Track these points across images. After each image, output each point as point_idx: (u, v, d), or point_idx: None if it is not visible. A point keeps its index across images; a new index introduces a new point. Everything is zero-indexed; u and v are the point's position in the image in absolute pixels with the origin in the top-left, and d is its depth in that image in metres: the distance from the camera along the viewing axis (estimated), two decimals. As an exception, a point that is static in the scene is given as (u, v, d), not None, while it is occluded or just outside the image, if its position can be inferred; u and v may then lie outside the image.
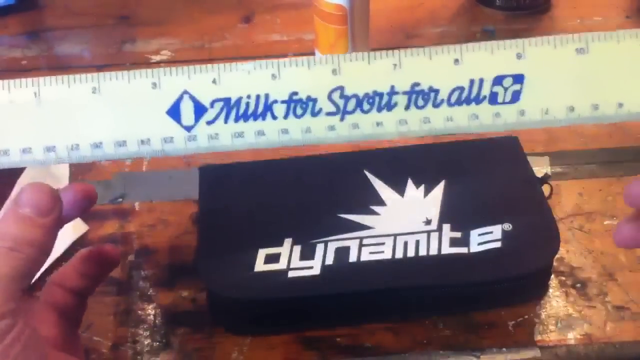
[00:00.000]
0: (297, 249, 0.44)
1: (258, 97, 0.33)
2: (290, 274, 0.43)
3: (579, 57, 0.33)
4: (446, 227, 0.45)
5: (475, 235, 0.45)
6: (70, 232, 0.51)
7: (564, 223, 0.50)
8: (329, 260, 0.44)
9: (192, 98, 0.33)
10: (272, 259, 0.44)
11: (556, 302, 0.46)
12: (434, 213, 0.46)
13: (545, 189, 0.50)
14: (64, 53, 0.70)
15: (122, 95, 0.33)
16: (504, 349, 0.44)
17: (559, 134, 0.58)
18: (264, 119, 0.34)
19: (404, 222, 0.46)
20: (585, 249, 0.49)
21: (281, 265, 0.44)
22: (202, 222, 0.48)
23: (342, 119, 0.34)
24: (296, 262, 0.44)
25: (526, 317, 0.45)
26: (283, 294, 0.43)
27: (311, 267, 0.43)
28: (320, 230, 0.46)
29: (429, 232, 0.45)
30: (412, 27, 0.71)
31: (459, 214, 0.46)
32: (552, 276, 0.47)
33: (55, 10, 0.76)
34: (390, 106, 0.33)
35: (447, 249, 0.44)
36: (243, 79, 0.33)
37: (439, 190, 0.48)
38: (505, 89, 0.33)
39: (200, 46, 0.69)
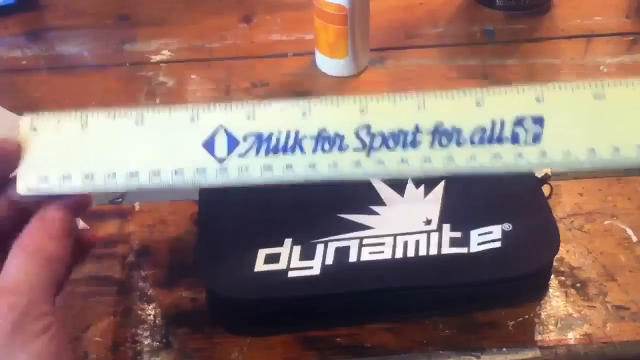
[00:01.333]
0: (297, 249, 0.45)
1: (288, 132, 0.35)
2: (290, 273, 0.43)
3: (596, 102, 0.34)
4: (446, 227, 0.46)
5: (475, 235, 0.45)
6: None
7: (564, 223, 0.50)
8: (329, 260, 0.44)
9: (227, 132, 0.35)
10: (272, 259, 0.44)
11: (556, 302, 0.46)
12: (434, 213, 0.47)
13: (545, 190, 0.50)
14: (64, 53, 0.70)
15: (162, 127, 0.35)
16: (504, 349, 0.44)
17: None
18: (293, 152, 0.35)
19: (404, 222, 0.46)
20: (585, 249, 0.49)
21: (281, 265, 0.44)
22: (202, 222, 0.48)
23: (368, 155, 0.34)
24: (296, 262, 0.44)
25: (526, 317, 0.45)
26: (283, 293, 0.43)
27: (311, 267, 0.43)
28: (320, 230, 0.46)
29: (429, 232, 0.45)
30: (412, 27, 0.71)
31: (459, 214, 0.46)
32: (552, 276, 0.47)
33: (55, 10, 0.76)
34: (415, 144, 0.34)
35: (447, 249, 0.44)
36: (275, 115, 0.35)
37: (439, 190, 0.48)
38: (527, 130, 0.34)
39: (201, 46, 0.69)
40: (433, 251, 0.44)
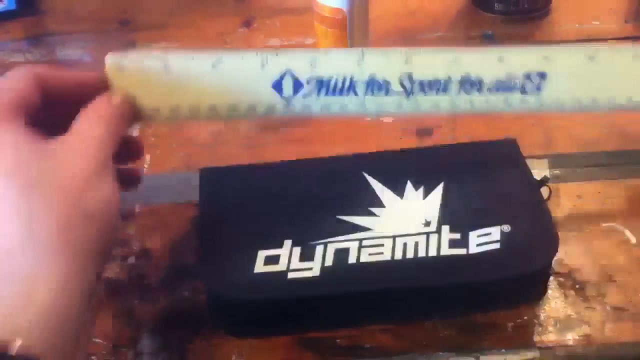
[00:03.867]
0: (297, 250, 0.45)
1: (345, 77, 0.42)
2: (290, 275, 0.43)
3: (589, 62, 0.42)
4: (445, 228, 0.46)
5: (474, 237, 0.45)
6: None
7: (563, 225, 0.50)
8: (329, 262, 0.44)
9: (292, 76, 0.42)
10: (272, 260, 0.44)
11: (555, 303, 0.46)
12: (433, 214, 0.47)
13: (544, 192, 0.50)
14: (65, 58, 0.70)
15: (236, 70, 0.42)
16: (503, 350, 0.44)
17: (558, 136, 0.58)
18: (348, 94, 0.42)
19: (403, 223, 0.46)
20: (584, 250, 0.49)
21: (281, 266, 0.44)
22: (202, 224, 0.48)
23: (408, 98, 0.43)
24: (296, 263, 0.44)
25: (525, 318, 0.45)
26: (282, 295, 0.43)
27: (310, 269, 0.43)
28: (319, 232, 0.46)
29: (428, 234, 0.45)
30: (411, 32, 0.71)
31: (458, 216, 0.46)
32: (551, 277, 0.47)
33: (56, 15, 0.76)
34: (446, 90, 0.42)
35: (446, 250, 0.44)
36: (334, 62, 0.42)
37: (438, 192, 0.48)
38: (533, 82, 0.43)
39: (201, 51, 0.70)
40: (432, 252, 0.44)
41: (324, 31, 0.62)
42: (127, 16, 0.75)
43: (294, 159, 0.52)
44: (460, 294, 0.44)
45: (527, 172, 0.49)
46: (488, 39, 0.70)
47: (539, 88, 0.42)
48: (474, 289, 0.44)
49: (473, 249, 0.44)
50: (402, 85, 0.42)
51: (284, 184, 0.50)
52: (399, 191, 0.49)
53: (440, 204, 0.47)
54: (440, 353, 0.44)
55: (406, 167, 0.50)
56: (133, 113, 0.41)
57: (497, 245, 0.44)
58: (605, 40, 0.69)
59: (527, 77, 0.42)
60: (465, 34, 0.71)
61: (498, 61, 0.42)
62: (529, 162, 0.50)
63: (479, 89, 0.42)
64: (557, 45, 0.43)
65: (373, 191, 0.49)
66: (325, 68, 0.41)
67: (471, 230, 0.45)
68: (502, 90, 0.42)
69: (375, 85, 0.42)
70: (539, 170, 0.54)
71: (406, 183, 0.49)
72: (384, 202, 0.48)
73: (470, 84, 0.42)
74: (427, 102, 0.42)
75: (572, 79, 0.43)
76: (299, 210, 0.48)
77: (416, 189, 0.49)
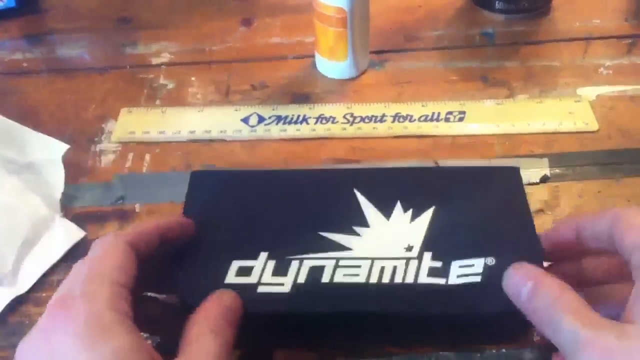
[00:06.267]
0: (271, 263, 0.43)
1: (299, 115, 0.61)
2: (260, 288, 0.42)
3: (497, 105, 0.60)
4: (427, 255, 0.44)
5: (455, 267, 0.43)
6: (66, 238, 0.51)
7: (563, 224, 0.50)
8: (301, 279, 0.42)
9: (258, 115, 0.61)
10: (244, 271, 0.43)
11: (555, 303, 0.46)
12: (417, 240, 0.44)
13: (544, 192, 0.50)
14: (65, 56, 0.70)
15: (216, 113, 0.62)
16: (503, 350, 0.44)
17: (558, 136, 0.58)
18: (301, 124, 0.60)
19: (385, 246, 0.44)
20: (584, 250, 0.49)
21: (252, 279, 0.42)
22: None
23: (351, 125, 0.59)
24: (268, 277, 0.42)
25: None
26: (250, 308, 0.41)
27: (282, 284, 0.42)
28: (297, 247, 0.44)
29: (408, 259, 0.43)
30: (411, 30, 0.71)
31: (443, 243, 0.44)
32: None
33: (55, 13, 0.76)
34: (382, 120, 0.60)
35: (424, 278, 0.42)
36: (290, 108, 0.62)
37: (426, 216, 0.46)
38: (455, 116, 0.60)
39: (201, 49, 0.70)
40: (409, 279, 0.42)
41: (325, 29, 0.62)
42: (127, 14, 0.75)
43: (294, 157, 0.51)
44: (427, 324, 0.43)
45: (524, 204, 0.46)
46: (488, 38, 0.70)
47: (461, 119, 0.56)
48: (449, 320, 0.42)
49: (452, 279, 0.42)
50: (345, 118, 0.60)
51: (273, 193, 0.48)
52: (387, 211, 0.46)
53: (427, 229, 0.45)
54: (441, 353, 0.44)
55: (399, 186, 0.48)
56: (241, 303, 0.40)
57: (477, 278, 0.42)
58: (605, 38, 0.69)
59: (450, 113, 0.58)
60: (466, 32, 0.71)
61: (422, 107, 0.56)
62: (529, 161, 0.50)
63: (411, 120, 0.59)
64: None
65: (360, 209, 0.46)
66: (283, 111, 0.62)
67: (454, 259, 0.43)
68: (430, 121, 0.58)
69: (324, 119, 0.60)
70: (539, 169, 0.55)
71: (396, 204, 0.47)
72: (369, 221, 0.46)
73: (402, 117, 0.60)
74: (367, 128, 0.59)
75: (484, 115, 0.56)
76: (282, 221, 0.46)
77: (405, 210, 0.46)
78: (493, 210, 0.46)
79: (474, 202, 0.46)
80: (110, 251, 0.36)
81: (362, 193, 0.47)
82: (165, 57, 0.69)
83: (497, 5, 0.72)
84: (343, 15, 0.60)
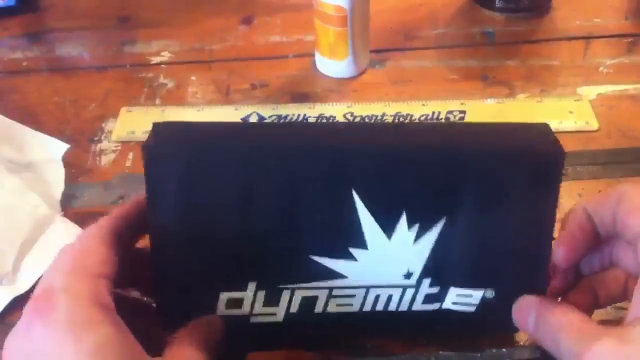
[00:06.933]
0: (261, 294, 0.40)
1: (299, 115, 0.62)
2: (253, 319, 0.41)
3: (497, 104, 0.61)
4: (426, 282, 0.41)
5: (452, 294, 0.41)
6: (66, 238, 0.51)
7: (564, 224, 0.50)
8: (294, 309, 0.41)
9: (258, 114, 0.62)
10: (235, 303, 0.40)
11: (556, 302, 0.46)
12: (418, 265, 0.40)
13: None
14: (65, 54, 0.70)
15: (216, 112, 0.63)
16: (503, 350, 0.44)
17: (558, 135, 0.58)
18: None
19: (382, 272, 0.40)
20: (584, 249, 0.49)
21: (244, 310, 0.40)
22: (160, 260, 0.39)
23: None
24: (259, 307, 0.41)
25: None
26: (245, 338, 0.40)
27: (274, 314, 0.41)
28: (287, 275, 0.40)
29: (405, 288, 0.41)
30: (411, 29, 0.71)
31: (444, 268, 0.40)
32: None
33: (55, 12, 0.76)
34: (382, 119, 0.61)
35: (418, 306, 0.41)
36: (291, 107, 0.63)
37: (432, 236, 0.39)
38: (455, 116, 0.61)
39: (201, 48, 0.70)
40: (403, 307, 0.41)
41: (325, 28, 0.62)
42: (126, 13, 0.75)
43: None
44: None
45: (553, 205, 0.41)
46: (488, 37, 0.70)
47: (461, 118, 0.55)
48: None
49: (447, 305, 0.41)
50: (346, 118, 0.61)
51: (257, 185, 0.38)
52: (390, 226, 0.39)
53: (430, 251, 0.40)
54: (441, 353, 0.44)
55: (407, 187, 0.39)
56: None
57: (472, 309, 0.41)
58: (605, 37, 0.69)
59: (450, 112, 0.57)
60: (466, 31, 0.71)
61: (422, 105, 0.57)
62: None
63: (411, 119, 0.61)
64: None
65: (358, 224, 0.39)
66: (284, 110, 0.62)
67: (453, 286, 0.41)
68: (429, 120, 0.60)
69: (324, 119, 0.61)
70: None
71: (401, 215, 0.39)
72: (368, 242, 0.39)
73: (402, 117, 0.61)
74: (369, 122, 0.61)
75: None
76: (268, 242, 0.39)
77: (410, 225, 0.39)
78: (512, 217, 0.40)
79: (494, 208, 0.39)
80: (94, 243, 0.36)
81: (361, 196, 0.38)
82: (165, 56, 0.69)
83: (498, 4, 0.72)
84: (343, 14, 0.60)
